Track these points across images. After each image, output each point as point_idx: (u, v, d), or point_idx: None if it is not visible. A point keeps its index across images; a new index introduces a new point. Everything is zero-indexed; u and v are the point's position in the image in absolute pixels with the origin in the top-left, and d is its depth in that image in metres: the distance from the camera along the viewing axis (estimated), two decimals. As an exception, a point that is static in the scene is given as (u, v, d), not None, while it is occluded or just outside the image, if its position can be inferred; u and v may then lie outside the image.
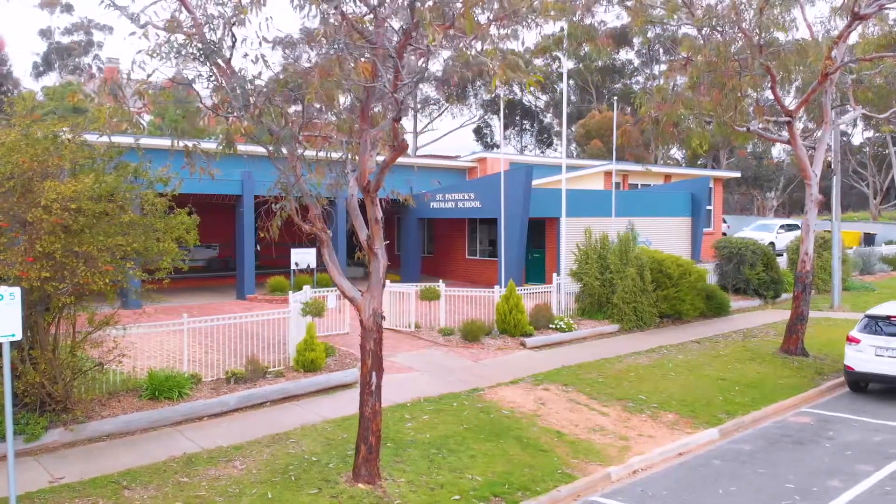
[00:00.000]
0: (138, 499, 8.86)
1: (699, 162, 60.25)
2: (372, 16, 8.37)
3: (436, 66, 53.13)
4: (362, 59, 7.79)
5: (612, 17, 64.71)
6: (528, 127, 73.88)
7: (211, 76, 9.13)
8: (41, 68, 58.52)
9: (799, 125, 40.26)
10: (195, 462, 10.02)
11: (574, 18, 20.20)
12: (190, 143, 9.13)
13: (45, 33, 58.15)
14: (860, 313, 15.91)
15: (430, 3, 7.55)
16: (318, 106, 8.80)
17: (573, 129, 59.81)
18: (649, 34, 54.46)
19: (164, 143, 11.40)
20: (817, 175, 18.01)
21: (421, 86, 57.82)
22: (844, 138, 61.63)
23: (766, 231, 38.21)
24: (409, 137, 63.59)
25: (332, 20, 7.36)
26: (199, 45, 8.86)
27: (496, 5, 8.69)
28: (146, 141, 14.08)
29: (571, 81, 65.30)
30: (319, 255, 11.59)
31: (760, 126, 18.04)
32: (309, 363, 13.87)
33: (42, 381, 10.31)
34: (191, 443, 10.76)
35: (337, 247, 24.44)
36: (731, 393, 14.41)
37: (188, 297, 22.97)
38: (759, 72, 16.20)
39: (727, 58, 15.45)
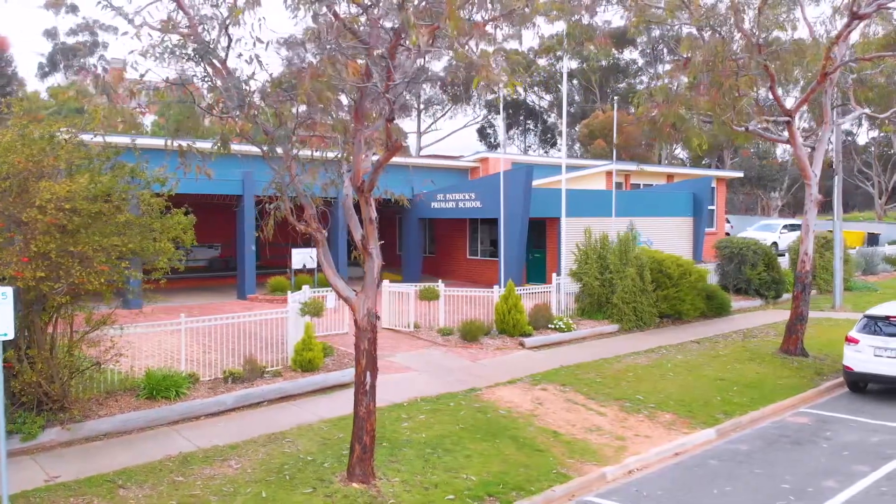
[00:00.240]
0: (133, 498, 8.89)
1: (704, 162, 60.18)
2: (365, 16, 8.39)
3: (439, 66, 53.27)
4: (351, 60, 7.79)
5: (616, 18, 64.71)
6: (531, 127, 73.87)
7: (206, 76, 9.16)
8: (46, 69, 58.75)
9: (804, 124, 40.08)
10: (191, 461, 10.06)
11: (574, 18, 20.16)
12: (184, 143, 9.15)
13: (51, 34, 58.38)
14: (862, 313, 15.88)
15: (422, 4, 7.55)
16: (312, 106, 8.80)
17: (577, 129, 59.80)
18: (654, 33, 54.49)
19: (162, 142, 11.43)
20: (817, 175, 17.96)
21: (424, 86, 57.87)
22: (850, 138, 61.50)
23: (769, 231, 38.16)
24: (412, 138, 63.77)
25: (321, 20, 7.37)
26: (195, 46, 8.90)
27: (490, 5, 8.71)
28: (144, 141, 14.12)
29: (575, 81, 65.31)
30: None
31: (760, 126, 18.00)
32: (307, 363, 13.89)
33: (39, 381, 10.36)
34: (187, 442, 10.80)
35: (337, 247, 24.52)
36: (729, 393, 14.39)
37: (189, 297, 23.05)
38: (758, 72, 16.16)
39: (724, 57, 15.42)
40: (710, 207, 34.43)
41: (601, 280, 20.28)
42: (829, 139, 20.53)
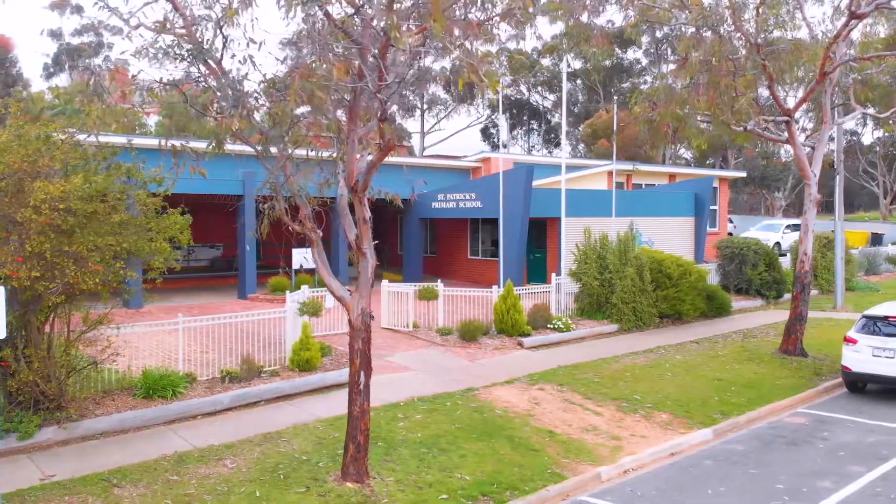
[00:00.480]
0: (127, 496, 8.93)
1: (708, 162, 60.03)
2: (357, 16, 8.39)
3: (441, 66, 53.18)
4: (342, 60, 7.81)
5: (619, 18, 64.50)
6: (535, 127, 73.79)
7: (199, 77, 9.18)
8: (52, 69, 58.95)
9: (809, 124, 39.90)
10: (186, 460, 10.09)
11: (575, 19, 20.15)
12: (178, 143, 9.18)
13: (56, 34, 58.55)
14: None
15: (412, 4, 7.57)
16: (304, 106, 8.82)
17: (580, 128, 59.71)
18: (657, 33, 54.30)
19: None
20: (816, 175, 17.91)
21: (427, 86, 57.92)
22: (854, 138, 61.29)
23: (771, 231, 38.09)
24: (416, 138, 63.80)
25: (311, 20, 7.39)
26: (189, 46, 8.92)
27: (484, 5, 8.71)
28: (141, 141, 14.15)
29: (579, 81, 65.18)
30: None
31: (760, 126, 17.96)
32: (304, 363, 13.92)
33: (36, 380, 10.42)
34: (183, 441, 10.84)
35: (338, 247, 24.55)
36: (727, 393, 14.37)
37: (190, 297, 23.12)
38: (756, 71, 16.13)
39: (722, 57, 15.39)
40: (712, 207, 34.34)
41: (600, 280, 20.27)
42: (830, 139, 20.45)
